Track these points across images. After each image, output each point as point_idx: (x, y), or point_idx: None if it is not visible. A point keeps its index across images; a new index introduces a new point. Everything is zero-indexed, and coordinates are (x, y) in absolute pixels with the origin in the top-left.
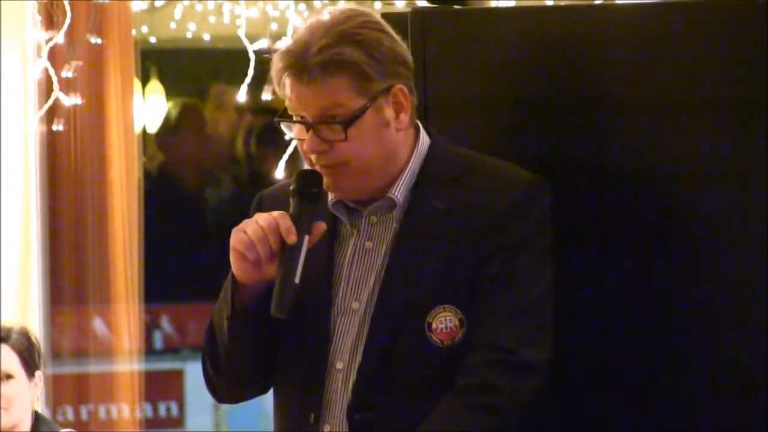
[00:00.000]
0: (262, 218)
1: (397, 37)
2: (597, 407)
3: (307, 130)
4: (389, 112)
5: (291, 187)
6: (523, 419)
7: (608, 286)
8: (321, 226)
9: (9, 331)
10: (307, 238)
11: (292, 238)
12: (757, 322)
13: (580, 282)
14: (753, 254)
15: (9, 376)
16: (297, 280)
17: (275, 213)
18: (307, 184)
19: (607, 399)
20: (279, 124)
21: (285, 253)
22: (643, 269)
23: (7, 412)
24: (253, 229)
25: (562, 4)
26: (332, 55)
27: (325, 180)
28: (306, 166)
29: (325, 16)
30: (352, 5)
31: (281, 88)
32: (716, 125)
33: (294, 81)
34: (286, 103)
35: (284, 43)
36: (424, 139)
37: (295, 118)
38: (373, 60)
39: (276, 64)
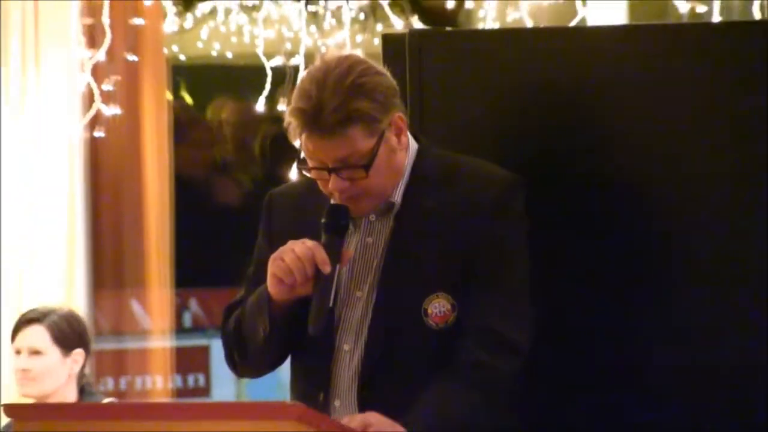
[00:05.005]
0: (297, 248)
1: (384, 69)
2: (593, 405)
3: (330, 174)
4: (393, 139)
5: (322, 221)
6: (509, 397)
7: (607, 288)
8: (350, 253)
9: (48, 313)
10: (338, 266)
11: (327, 269)
12: (748, 321)
13: (579, 287)
14: (744, 254)
15: (37, 352)
16: (330, 303)
17: (309, 243)
18: (337, 219)
19: (598, 397)
20: (302, 172)
21: (320, 280)
22: (640, 272)
23: (35, 382)
24: (290, 258)
25: (541, 26)
26: (347, 112)
27: (349, 207)
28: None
29: (329, 66)
30: (345, 52)
31: (298, 139)
32: (691, 135)
33: (312, 135)
34: (304, 150)
35: (295, 95)
36: (413, 145)
37: (311, 163)
38: (377, 103)
39: (292, 122)
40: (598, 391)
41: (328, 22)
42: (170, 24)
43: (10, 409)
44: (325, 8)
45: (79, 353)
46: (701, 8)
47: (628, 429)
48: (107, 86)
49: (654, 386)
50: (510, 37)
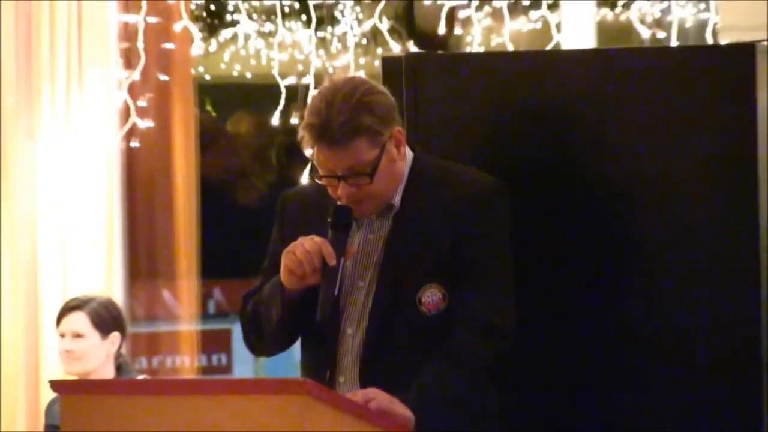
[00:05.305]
0: (307, 243)
1: (384, 88)
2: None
3: (338, 181)
4: (393, 150)
5: (328, 220)
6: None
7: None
8: (353, 248)
9: (88, 300)
10: (343, 259)
11: (332, 262)
12: (732, 320)
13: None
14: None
15: (79, 335)
16: (336, 292)
17: (317, 239)
18: (341, 218)
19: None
20: (313, 179)
21: (327, 271)
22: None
23: (77, 361)
24: (300, 252)
25: (521, 50)
26: (353, 126)
27: (354, 208)
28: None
29: (337, 86)
30: (350, 73)
31: (310, 150)
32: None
33: (322, 147)
34: (315, 161)
35: (308, 105)
36: (409, 154)
37: (322, 172)
38: (379, 119)
39: (305, 135)
40: (582, 390)
41: (335, 46)
42: (197, 48)
43: (56, 385)
44: (332, 34)
45: (116, 336)
46: (661, 34)
47: (613, 428)
48: (141, 102)
49: (639, 386)
50: (494, 59)
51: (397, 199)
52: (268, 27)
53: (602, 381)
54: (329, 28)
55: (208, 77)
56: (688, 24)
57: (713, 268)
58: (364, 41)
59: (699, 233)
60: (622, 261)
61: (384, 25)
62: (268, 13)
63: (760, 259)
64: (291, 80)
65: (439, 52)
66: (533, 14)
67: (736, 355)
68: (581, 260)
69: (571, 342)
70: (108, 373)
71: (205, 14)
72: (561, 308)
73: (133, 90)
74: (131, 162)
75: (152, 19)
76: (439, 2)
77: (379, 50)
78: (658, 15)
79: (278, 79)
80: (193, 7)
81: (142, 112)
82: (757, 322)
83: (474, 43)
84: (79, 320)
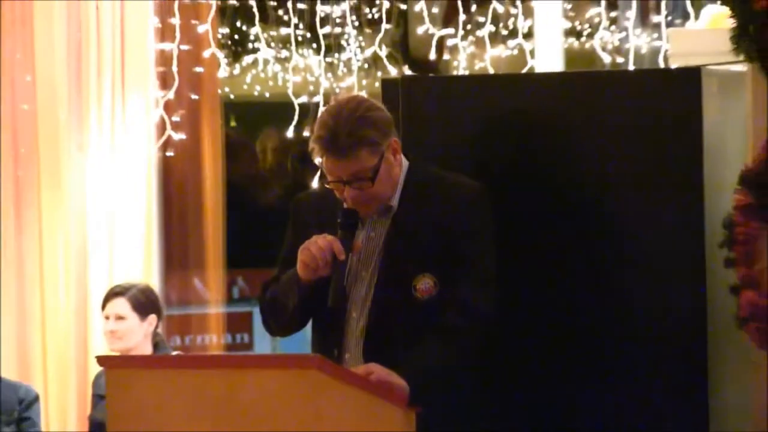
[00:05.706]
0: (320, 241)
1: (383, 105)
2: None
3: (344, 185)
4: (391, 158)
5: (338, 221)
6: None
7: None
8: (359, 245)
9: (129, 287)
10: (350, 254)
11: (342, 257)
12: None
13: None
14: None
15: (121, 317)
16: (345, 283)
17: (329, 237)
18: (348, 219)
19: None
20: (323, 184)
21: (336, 264)
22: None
23: (120, 340)
24: (315, 248)
25: (501, 73)
26: (356, 138)
27: (359, 209)
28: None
29: (341, 104)
30: (354, 93)
31: (319, 158)
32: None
33: (330, 157)
34: (324, 168)
35: (317, 124)
36: (405, 162)
37: (330, 178)
38: (380, 131)
39: (315, 147)
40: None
41: (341, 70)
42: (223, 71)
43: (102, 360)
44: (339, 59)
45: (153, 318)
46: (620, 59)
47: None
48: (176, 118)
49: (585, 378)
50: (477, 81)
51: (395, 202)
52: (284, 53)
53: (555, 374)
54: (336, 55)
55: (232, 96)
56: (644, 51)
57: (663, 264)
58: (366, 66)
59: (653, 232)
60: (586, 256)
61: (383, 52)
62: (284, 42)
63: (705, 255)
64: (303, 99)
65: (431, 75)
66: (511, 42)
67: (682, 344)
68: (549, 256)
69: (525, 335)
70: (146, 349)
71: (230, 42)
72: (519, 300)
73: (168, 107)
74: (167, 169)
75: (185, 47)
76: (430, 32)
77: (379, 73)
78: (617, 43)
79: (292, 98)
80: (219, 36)
81: (176, 126)
82: (703, 313)
83: (460, 67)
84: (121, 304)
